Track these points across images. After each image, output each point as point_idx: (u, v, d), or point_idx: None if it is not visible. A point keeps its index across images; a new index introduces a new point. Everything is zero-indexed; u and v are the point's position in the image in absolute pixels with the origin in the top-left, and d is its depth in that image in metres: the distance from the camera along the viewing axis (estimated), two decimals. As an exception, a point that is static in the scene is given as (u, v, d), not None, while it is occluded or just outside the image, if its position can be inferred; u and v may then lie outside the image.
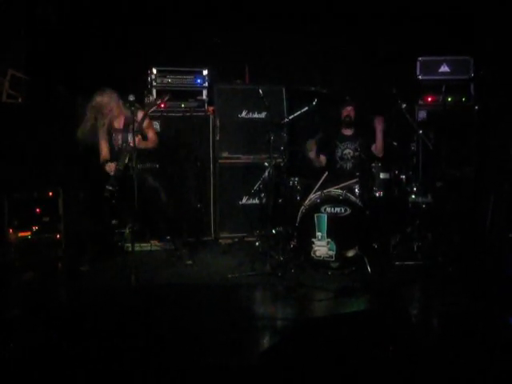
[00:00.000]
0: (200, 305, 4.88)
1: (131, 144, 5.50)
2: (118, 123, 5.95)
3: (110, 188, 5.67)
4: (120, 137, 5.91)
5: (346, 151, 6.68)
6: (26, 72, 6.39)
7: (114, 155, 5.88)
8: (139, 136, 5.69)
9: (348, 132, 6.77)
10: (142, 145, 5.77)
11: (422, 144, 6.57)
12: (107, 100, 5.77)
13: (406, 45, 7.37)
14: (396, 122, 6.70)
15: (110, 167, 5.71)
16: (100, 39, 7.01)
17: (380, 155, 6.55)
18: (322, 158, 6.75)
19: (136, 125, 5.53)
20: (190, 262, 6.04)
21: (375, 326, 4.05)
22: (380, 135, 6.53)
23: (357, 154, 6.57)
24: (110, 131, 5.94)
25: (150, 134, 5.99)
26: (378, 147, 6.58)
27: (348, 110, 6.70)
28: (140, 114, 5.78)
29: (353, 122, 6.72)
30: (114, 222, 6.05)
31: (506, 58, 6.84)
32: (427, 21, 7.30)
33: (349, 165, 6.65)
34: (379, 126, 6.50)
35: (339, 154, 6.71)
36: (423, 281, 5.49)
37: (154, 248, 6.55)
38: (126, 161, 5.67)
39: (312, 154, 6.62)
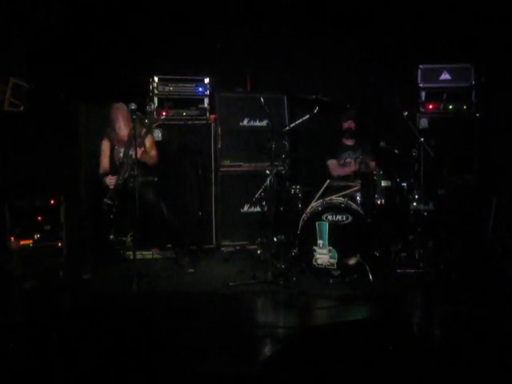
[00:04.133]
0: (201, 313, 4.88)
1: (133, 156, 5.54)
2: (123, 135, 5.98)
3: (109, 202, 5.69)
4: (122, 150, 5.94)
5: (348, 160, 6.72)
6: (27, 80, 6.40)
7: (114, 168, 5.93)
8: (142, 148, 5.73)
9: (349, 142, 6.82)
10: (143, 158, 5.81)
11: (423, 151, 6.57)
12: (117, 109, 5.89)
13: (407, 52, 7.38)
14: (397, 129, 6.73)
15: (111, 180, 5.76)
16: (102, 47, 7.02)
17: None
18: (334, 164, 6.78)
19: (138, 139, 5.61)
20: (191, 271, 6.04)
21: (377, 333, 4.04)
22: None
23: (358, 162, 6.60)
24: (114, 144, 6.01)
25: (152, 153, 6.01)
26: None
27: (349, 123, 6.74)
28: (141, 129, 5.87)
29: (354, 133, 6.75)
30: (111, 236, 6.05)
31: (507, 64, 6.85)
32: (428, 28, 7.31)
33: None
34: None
35: (341, 162, 6.74)
36: (425, 288, 5.48)
37: (155, 256, 6.54)
38: (126, 175, 5.72)
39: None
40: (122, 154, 5.91)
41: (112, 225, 5.90)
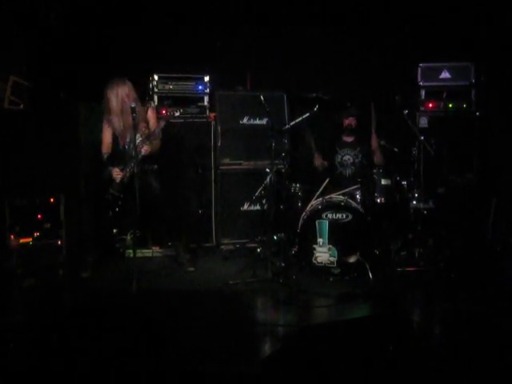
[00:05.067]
0: (201, 311, 4.88)
1: (140, 150, 5.52)
2: (128, 121, 5.69)
3: (114, 193, 5.67)
4: (128, 135, 5.73)
5: (346, 157, 6.71)
6: (27, 78, 6.40)
7: (119, 155, 5.79)
8: (151, 144, 5.68)
9: (349, 139, 6.80)
10: (148, 151, 5.70)
11: (423, 150, 6.57)
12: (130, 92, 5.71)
13: (407, 51, 7.38)
14: (397, 128, 6.73)
15: (118, 174, 5.68)
16: (102, 47, 7.02)
17: (382, 164, 6.57)
18: (325, 162, 6.77)
19: (156, 131, 5.65)
20: (191, 269, 6.03)
21: (377, 332, 4.05)
22: (377, 151, 6.55)
23: (357, 160, 6.63)
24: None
25: (157, 145, 5.87)
26: (377, 160, 6.60)
27: (350, 120, 6.73)
28: (151, 116, 5.84)
29: (354, 131, 6.74)
30: (115, 230, 6.04)
31: (507, 63, 6.85)
32: (428, 27, 7.31)
33: (348, 171, 6.68)
34: (374, 144, 6.51)
35: (339, 159, 6.73)
36: (425, 287, 5.48)
37: (155, 254, 6.54)
38: (133, 169, 5.62)
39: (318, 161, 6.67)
40: (128, 139, 5.74)
41: (117, 218, 5.86)
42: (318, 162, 6.66)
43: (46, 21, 6.70)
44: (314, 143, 6.67)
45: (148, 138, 5.65)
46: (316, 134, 6.88)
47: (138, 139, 5.62)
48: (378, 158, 6.66)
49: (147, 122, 5.78)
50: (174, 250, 6.28)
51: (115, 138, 5.82)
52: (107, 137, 5.83)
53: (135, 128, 5.41)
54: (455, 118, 6.91)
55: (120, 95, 5.65)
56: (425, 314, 5.00)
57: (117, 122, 5.72)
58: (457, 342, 4.16)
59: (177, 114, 5.83)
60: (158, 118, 5.91)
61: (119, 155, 5.79)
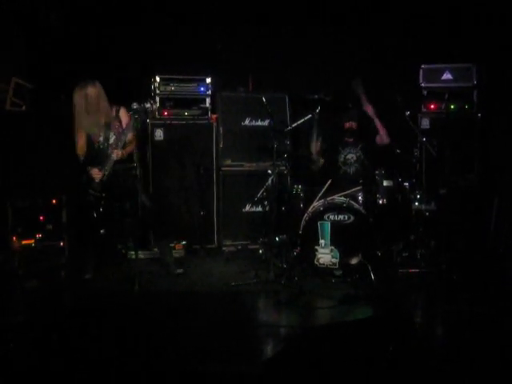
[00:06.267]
0: (203, 312, 4.88)
1: (116, 153, 5.51)
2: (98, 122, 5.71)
3: (95, 193, 5.62)
4: (101, 134, 5.70)
5: (349, 156, 6.69)
6: (29, 80, 6.40)
7: (94, 153, 5.73)
8: (123, 147, 5.64)
9: (350, 139, 6.78)
10: (125, 153, 5.66)
11: (425, 151, 6.57)
12: (99, 93, 5.67)
13: (409, 52, 7.37)
14: (399, 129, 6.71)
15: (97, 175, 5.61)
16: (103, 47, 7.03)
17: (386, 142, 6.48)
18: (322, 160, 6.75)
19: (125, 132, 5.60)
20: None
21: (379, 333, 4.04)
22: (378, 122, 6.47)
23: (361, 158, 6.60)
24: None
25: (130, 136, 5.72)
26: (382, 135, 6.48)
27: (350, 123, 6.71)
28: (123, 116, 5.77)
29: (355, 133, 6.73)
30: (102, 231, 5.99)
31: (508, 64, 6.85)
32: (430, 28, 7.31)
33: (352, 169, 6.66)
34: (371, 114, 6.42)
35: (342, 159, 6.72)
36: (427, 288, 5.48)
37: (157, 256, 6.53)
38: (111, 168, 5.58)
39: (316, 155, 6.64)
40: (101, 139, 5.70)
41: (101, 218, 5.78)
42: (317, 147, 6.60)
43: (45, 21, 6.71)
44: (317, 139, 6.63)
45: (119, 136, 5.61)
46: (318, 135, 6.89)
47: (112, 138, 5.61)
48: (381, 139, 6.50)
49: (120, 122, 5.74)
50: (159, 251, 6.24)
51: (89, 138, 5.77)
52: (81, 139, 5.78)
53: (132, 128, 5.42)
54: (457, 119, 6.90)
55: (89, 96, 5.62)
56: (427, 315, 5.00)
57: (87, 122, 5.68)
58: (459, 342, 4.16)
59: (147, 105, 5.72)
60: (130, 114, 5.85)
61: (95, 155, 5.74)
